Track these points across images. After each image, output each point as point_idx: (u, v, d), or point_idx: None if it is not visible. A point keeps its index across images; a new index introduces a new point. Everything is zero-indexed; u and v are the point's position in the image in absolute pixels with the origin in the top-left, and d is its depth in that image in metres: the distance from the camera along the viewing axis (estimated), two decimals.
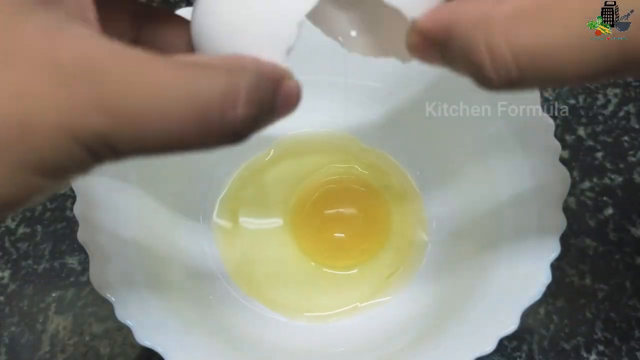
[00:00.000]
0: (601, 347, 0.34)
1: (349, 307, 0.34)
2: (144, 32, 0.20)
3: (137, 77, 0.14)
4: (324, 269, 0.35)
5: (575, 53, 0.16)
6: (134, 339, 0.27)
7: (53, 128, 0.14)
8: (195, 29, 0.19)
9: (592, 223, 0.38)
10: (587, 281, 0.36)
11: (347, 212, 0.37)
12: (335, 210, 0.37)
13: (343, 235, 0.36)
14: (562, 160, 0.30)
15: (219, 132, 0.15)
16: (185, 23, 0.20)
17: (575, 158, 0.40)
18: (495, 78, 0.16)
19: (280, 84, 0.17)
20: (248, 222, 0.37)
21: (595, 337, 0.35)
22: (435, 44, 0.18)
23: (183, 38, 0.20)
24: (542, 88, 0.16)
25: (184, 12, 0.27)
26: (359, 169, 0.38)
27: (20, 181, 0.14)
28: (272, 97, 0.17)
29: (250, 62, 0.17)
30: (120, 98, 0.14)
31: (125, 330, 0.27)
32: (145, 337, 0.27)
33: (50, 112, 0.13)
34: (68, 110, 0.14)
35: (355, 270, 0.35)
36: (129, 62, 0.14)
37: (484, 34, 0.16)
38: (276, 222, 0.37)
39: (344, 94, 0.37)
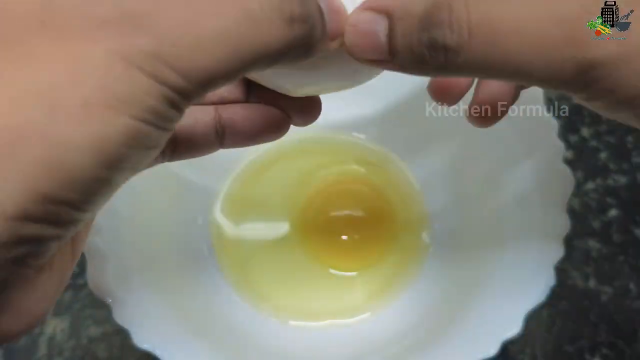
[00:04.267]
0: (605, 350, 0.34)
1: (351, 309, 0.34)
2: None
3: (170, 3, 0.15)
4: (328, 270, 0.35)
5: (527, 41, 0.16)
6: (131, 342, 0.26)
7: (105, 58, 0.14)
8: None
9: (595, 224, 0.38)
10: (591, 283, 0.36)
11: (352, 213, 0.37)
12: (341, 212, 0.37)
13: (349, 236, 0.36)
14: (566, 161, 0.30)
15: (269, 16, 0.15)
16: None
17: (579, 159, 0.39)
18: (449, 34, 0.16)
19: None
20: (247, 223, 0.37)
21: (599, 340, 0.34)
22: (387, 20, 0.17)
23: None
24: (488, 72, 0.17)
25: None
26: (361, 169, 0.38)
27: (93, 120, 0.14)
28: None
29: None
30: (156, 19, 0.14)
31: (123, 333, 0.27)
32: (143, 340, 0.26)
33: (95, 47, 0.14)
34: (110, 39, 0.14)
35: (359, 272, 0.35)
36: None
37: None
38: (278, 223, 0.37)
39: (344, 93, 0.37)
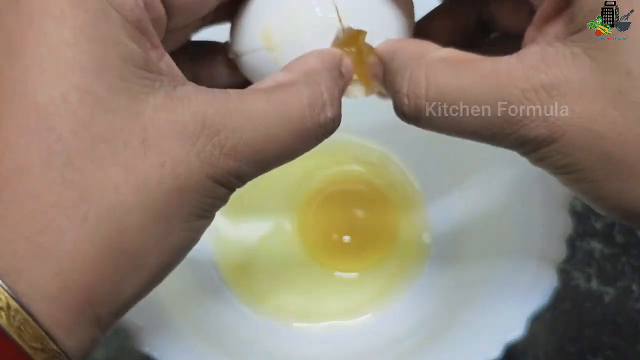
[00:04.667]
0: (608, 352, 0.34)
1: (352, 311, 0.34)
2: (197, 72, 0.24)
3: (243, 118, 0.17)
4: (329, 272, 0.35)
5: (476, 118, 0.19)
6: (130, 344, 0.26)
7: (201, 182, 0.17)
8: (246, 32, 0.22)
9: (598, 225, 0.37)
10: (593, 284, 0.36)
11: (353, 214, 0.37)
12: (341, 212, 0.37)
13: (350, 237, 0.36)
14: None
15: (317, 134, 0.19)
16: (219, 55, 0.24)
17: None
18: (406, 102, 0.19)
19: (341, 66, 0.21)
20: (247, 224, 0.36)
21: (602, 341, 0.34)
22: (382, 64, 0.21)
23: (222, 69, 0.24)
24: (444, 132, 0.20)
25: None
26: (361, 169, 0.38)
27: (189, 229, 0.18)
28: (341, 79, 0.21)
29: (315, 61, 0.20)
30: (237, 140, 0.17)
31: (122, 335, 0.27)
32: (142, 343, 0.26)
33: (194, 173, 0.17)
34: (205, 165, 0.17)
35: (360, 273, 0.35)
36: (232, 108, 0.17)
37: (415, 64, 0.19)
38: (278, 224, 0.36)
39: None
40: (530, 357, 0.34)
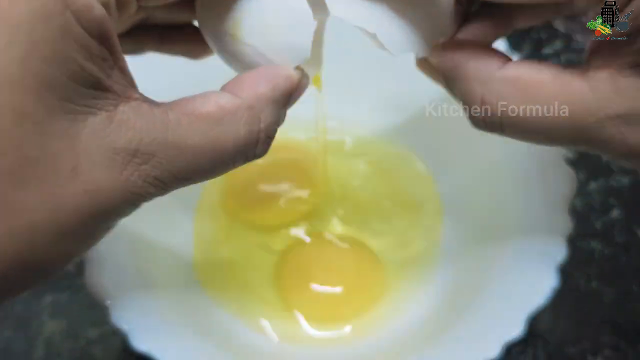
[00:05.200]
0: (608, 352, 0.34)
1: (351, 310, 0.33)
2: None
3: (176, 151, 0.18)
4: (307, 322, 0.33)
5: (541, 127, 0.20)
6: (129, 344, 0.26)
7: (119, 206, 0.18)
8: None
9: (598, 225, 0.37)
10: (593, 284, 0.36)
11: (337, 259, 0.35)
12: (323, 251, 0.35)
13: (332, 288, 0.34)
14: (569, 161, 0.30)
15: (239, 164, 0.20)
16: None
17: (582, 158, 0.39)
18: (483, 124, 0.21)
19: (294, 90, 0.21)
20: (234, 241, 0.36)
21: (602, 341, 0.34)
22: (441, 74, 0.22)
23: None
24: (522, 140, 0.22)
25: None
26: (365, 168, 0.38)
27: (94, 242, 0.18)
28: (287, 103, 0.21)
29: (265, 88, 0.20)
30: (164, 170, 0.18)
31: (120, 335, 0.27)
32: (141, 343, 0.26)
33: (115, 200, 0.17)
34: (127, 193, 0.17)
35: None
36: (169, 140, 0.18)
37: (484, 89, 0.21)
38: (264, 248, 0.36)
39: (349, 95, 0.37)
40: (530, 357, 0.34)
